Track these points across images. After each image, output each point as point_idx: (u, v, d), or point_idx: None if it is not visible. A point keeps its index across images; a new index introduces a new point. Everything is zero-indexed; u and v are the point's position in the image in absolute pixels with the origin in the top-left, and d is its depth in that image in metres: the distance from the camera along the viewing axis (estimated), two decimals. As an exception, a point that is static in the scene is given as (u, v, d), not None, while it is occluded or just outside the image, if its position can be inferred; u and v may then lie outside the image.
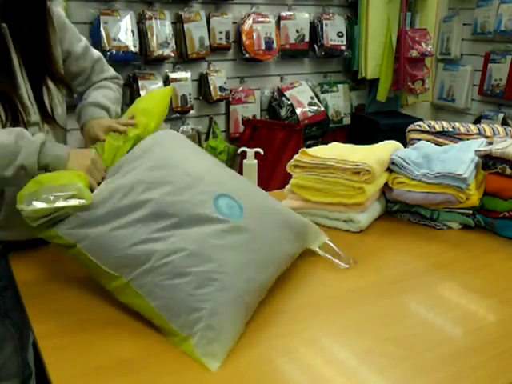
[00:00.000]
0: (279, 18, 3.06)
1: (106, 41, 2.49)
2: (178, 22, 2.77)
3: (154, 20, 2.66)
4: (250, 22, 2.93)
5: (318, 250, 1.18)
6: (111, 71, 1.43)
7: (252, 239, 0.98)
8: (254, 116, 3.11)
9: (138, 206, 0.95)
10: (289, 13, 3.09)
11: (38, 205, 0.92)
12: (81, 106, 1.31)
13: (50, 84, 1.21)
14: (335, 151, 1.40)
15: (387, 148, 1.47)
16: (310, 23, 3.16)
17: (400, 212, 1.44)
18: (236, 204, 1.00)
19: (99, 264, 0.93)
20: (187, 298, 0.87)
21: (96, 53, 1.39)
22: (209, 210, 0.96)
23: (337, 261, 1.16)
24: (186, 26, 2.75)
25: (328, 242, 1.20)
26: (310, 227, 1.20)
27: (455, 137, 1.59)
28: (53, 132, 1.24)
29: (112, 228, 0.93)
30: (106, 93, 1.34)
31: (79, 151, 1.11)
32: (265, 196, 1.16)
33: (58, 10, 1.28)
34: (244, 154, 1.41)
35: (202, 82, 2.92)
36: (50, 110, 1.21)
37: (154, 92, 1.36)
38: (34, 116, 1.17)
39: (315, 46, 3.20)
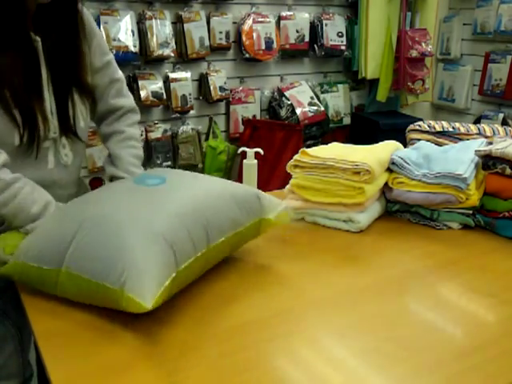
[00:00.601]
0: (279, 18, 3.07)
1: (105, 41, 2.49)
2: (178, 22, 2.77)
3: (153, 20, 2.66)
4: (249, 22, 2.94)
5: (276, 219, 1.14)
6: (131, 100, 1.37)
7: (168, 190, 1.03)
8: (254, 116, 3.12)
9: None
10: (289, 13, 3.09)
11: None
12: (115, 176, 1.31)
13: (76, 96, 1.18)
14: (335, 151, 1.40)
15: (387, 148, 1.47)
16: (310, 23, 3.16)
17: (400, 212, 1.44)
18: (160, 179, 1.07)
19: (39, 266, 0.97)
20: (107, 253, 0.90)
21: (118, 73, 1.33)
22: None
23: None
24: (185, 26, 2.76)
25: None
26: (266, 199, 1.14)
27: (455, 137, 1.59)
28: (71, 146, 1.21)
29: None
30: (135, 151, 1.33)
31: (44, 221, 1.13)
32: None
33: (89, 16, 1.23)
34: (244, 154, 1.41)
35: (202, 81, 2.92)
36: (72, 123, 1.19)
37: None
38: (53, 130, 1.15)
39: (315, 45, 3.20)
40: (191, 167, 2.94)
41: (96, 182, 2.65)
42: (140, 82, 2.65)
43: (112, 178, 1.33)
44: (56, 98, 1.15)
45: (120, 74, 1.35)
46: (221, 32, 2.88)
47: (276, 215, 1.14)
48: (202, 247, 0.99)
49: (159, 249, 0.91)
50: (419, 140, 1.60)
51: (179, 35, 2.78)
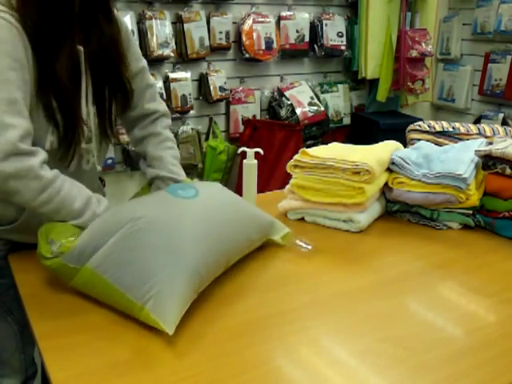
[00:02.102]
0: (279, 18, 3.06)
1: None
2: (178, 22, 2.77)
3: (153, 20, 2.66)
4: (249, 22, 2.94)
5: (280, 240, 1.25)
6: (164, 105, 1.40)
7: (206, 215, 1.06)
8: (254, 116, 3.12)
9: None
10: (289, 13, 3.09)
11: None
12: (159, 176, 1.30)
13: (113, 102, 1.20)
14: (335, 151, 1.40)
15: (387, 148, 1.47)
16: (310, 23, 3.16)
17: (400, 212, 1.44)
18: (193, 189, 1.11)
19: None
20: (141, 269, 0.93)
21: (151, 79, 1.36)
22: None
23: (300, 243, 1.24)
24: (185, 26, 2.75)
25: (290, 233, 1.27)
26: (276, 223, 1.26)
27: (455, 137, 1.59)
28: (97, 152, 1.22)
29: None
30: (175, 153, 1.35)
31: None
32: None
33: (126, 24, 1.25)
34: (244, 154, 1.41)
35: (202, 81, 2.92)
36: (110, 130, 1.21)
37: None
38: (89, 137, 1.16)
39: (315, 45, 3.20)
40: (191, 167, 2.94)
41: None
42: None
43: (154, 180, 1.33)
44: (97, 106, 1.17)
45: (152, 79, 1.37)
46: (221, 32, 2.88)
47: (281, 236, 1.25)
48: (222, 269, 1.07)
49: (188, 277, 0.94)
50: (419, 140, 1.60)
51: (179, 35, 2.78)
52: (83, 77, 1.11)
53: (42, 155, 1.03)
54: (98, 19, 1.12)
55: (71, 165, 1.16)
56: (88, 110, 1.14)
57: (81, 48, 1.10)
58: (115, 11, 1.18)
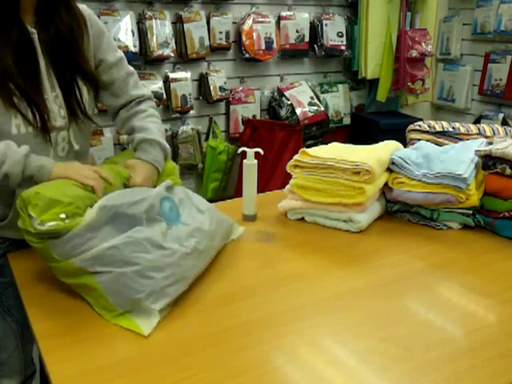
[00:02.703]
0: (279, 18, 3.07)
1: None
2: (178, 22, 2.77)
3: (153, 20, 2.66)
4: (250, 22, 2.94)
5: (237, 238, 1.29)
6: (147, 88, 1.43)
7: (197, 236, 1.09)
8: (254, 116, 3.12)
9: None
10: (289, 13, 3.09)
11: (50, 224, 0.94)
12: (145, 139, 1.29)
13: (81, 85, 1.22)
14: (335, 151, 1.40)
15: (387, 148, 1.47)
16: (310, 23, 3.16)
17: (400, 212, 1.44)
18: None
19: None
20: (131, 284, 0.95)
21: (130, 67, 1.39)
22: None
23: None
24: (186, 26, 2.75)
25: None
26: (235, 225, 1.33)
27: (455, 137, 1.59)
28: (76, 135, 1.23)
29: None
30: (161, 127, 1.36)
31: (65, 163, 1.12)
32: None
33: (95, 17, 1.29)
34: (244, 154, 1.41)
35: (202, 81, 2.92)
36: (80, 110, 1.21)
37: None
38: (60, 120, 1.18)
39: (315, 45, 3.20)
40: (191, 167, 2.94)
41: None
42: (140, 82, 2.65)
43: (141, 144, 1.30)
44: (61, 88, 1.18)
45: (131, 68, 1.40)
46: (221, 32, 2.88)
47: (237, 236, 1.31)
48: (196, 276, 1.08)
49: (174, 291, 0.98)
50: (419, 140, 1.60)
51: (179, 35, 2.78)
52: (40, 60, 1.13)
53: None
54: (58, 9, 1.16)
55: (50, 151, 1.17)
56: (55, 94, 1.16)
57: (33, 30, 1.12)
58: (77, 5, 1.22)
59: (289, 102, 3.10)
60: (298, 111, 3.08)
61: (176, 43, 2.76)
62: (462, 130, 1.60)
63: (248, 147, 1.41)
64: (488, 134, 1.58)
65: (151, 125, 1.32)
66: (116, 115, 1.38)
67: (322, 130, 3.19)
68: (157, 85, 2.73)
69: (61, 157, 1.21)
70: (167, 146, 1.31)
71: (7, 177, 1.05)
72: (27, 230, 0.95)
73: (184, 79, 2.83)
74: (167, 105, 2.82)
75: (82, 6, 1.24)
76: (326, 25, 3.16)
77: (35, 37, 1.13)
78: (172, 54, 2.72)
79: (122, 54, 1.36)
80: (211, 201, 1.32)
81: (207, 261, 1.12)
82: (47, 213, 0.93)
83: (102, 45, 1.28)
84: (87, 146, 1.34)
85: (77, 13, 1.21)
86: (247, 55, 2.96)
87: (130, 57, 2.57)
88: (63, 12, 1.17)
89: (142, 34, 2.66)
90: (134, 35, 2.61)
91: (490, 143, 1.47)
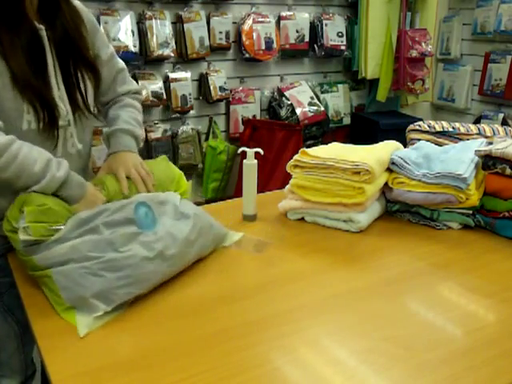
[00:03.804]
0: (279, 18, 3.07)
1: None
2: (178, 22, 2.78)
3: (153, 20, 2.66)
4: (249, 22, 2.94)
5: (228, 245, 1.26)
6: (135, 84, 1.44)
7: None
8: (254, 116, 3.12)
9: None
10: (289, 13, 3.09)
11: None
12: (111, 131, 1.32)
13: (85, 78, 1.23)
14: (335, 151, 1.40)
15: (387, 148, 1.47)
16: (310, 23, 3.16)
17: (400, 212, 1.44)
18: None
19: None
20: (80, 280, 0.97)
21: (121, 63, 1.39)
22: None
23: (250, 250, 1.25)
24: (186, 26, 2.76)
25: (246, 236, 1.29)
26: (230, 233, 1.30)
27: (455, 137, 1.59)
28: (78, 135, 1.24)
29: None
30: (134, 115, 1.36)
31: (91, 199, 1.13)
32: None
33: (89, 13, 1.30)
34: (244, 154, 1.41)
35: (202, 82, 2.92)
36: (83, 105, 1.22)
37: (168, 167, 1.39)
38: (65, 117, 1.19)
39: (315, 45, 3.20)
40: (191, 167, 2.94)
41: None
42: (140, 82, 2.65)
43: (109, 137, 1.33)
44: (65, 84, 1.19)
45: (122, 63, 1.40)
46: (221, 32, 2.88)
47: (230, 242, 1.27)
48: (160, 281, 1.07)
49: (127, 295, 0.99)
50: (419, 140, 1.60)
51: (179, 35, 2.78)
52: (48, 56, 1.14)
53: None
54: (59, 5, 1.17)
55: (57, 149, 1.18)
56: (60, 91, 1.17)
57: (41, 26, 1.13)
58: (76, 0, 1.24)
59: (289, 102, 3.10)
60: (298, 111, 3.08)
61: (176, 43, 2.76)
62: (462, 130, 1.60)
63: (248, 147, 1.41)
64: (488, 134, 1.58)
65: (123, 113, 1.34)
66: (102, 110, 1.40)
67: (321, 129, 3.20)
68: (157, 85, 2.73)
69: (70, 154, 1.22)
70: (131, 128, 1.32)
71: (31, 190, 1.06)
72: (9, 220, 1.02)
73: (184, 79, 2.83)
74: (167, 105, 2.82)
75: (76, 2, 1.25)
76: (326, 25, 3.16)
77: (43, 33, 1.14)
78: (172, 54, 2.72)
79: (113, 50, 1.37)
80: (211, 201, 1.32)
81: (179, 267, 1.09)
82: (37, 224, 1.01)
83: (97, 41, 1.30)
84: (89, 146, 1.34)
85: (76, 8, 1.23)
86: (247, 55, 2.96)
87: (130, 57, 2.58)
88: (65, 7, 1.18)
89: (142, 34, 2.67)
90: (134, 35, 2.61)
91: (490, 143, 1.47)
